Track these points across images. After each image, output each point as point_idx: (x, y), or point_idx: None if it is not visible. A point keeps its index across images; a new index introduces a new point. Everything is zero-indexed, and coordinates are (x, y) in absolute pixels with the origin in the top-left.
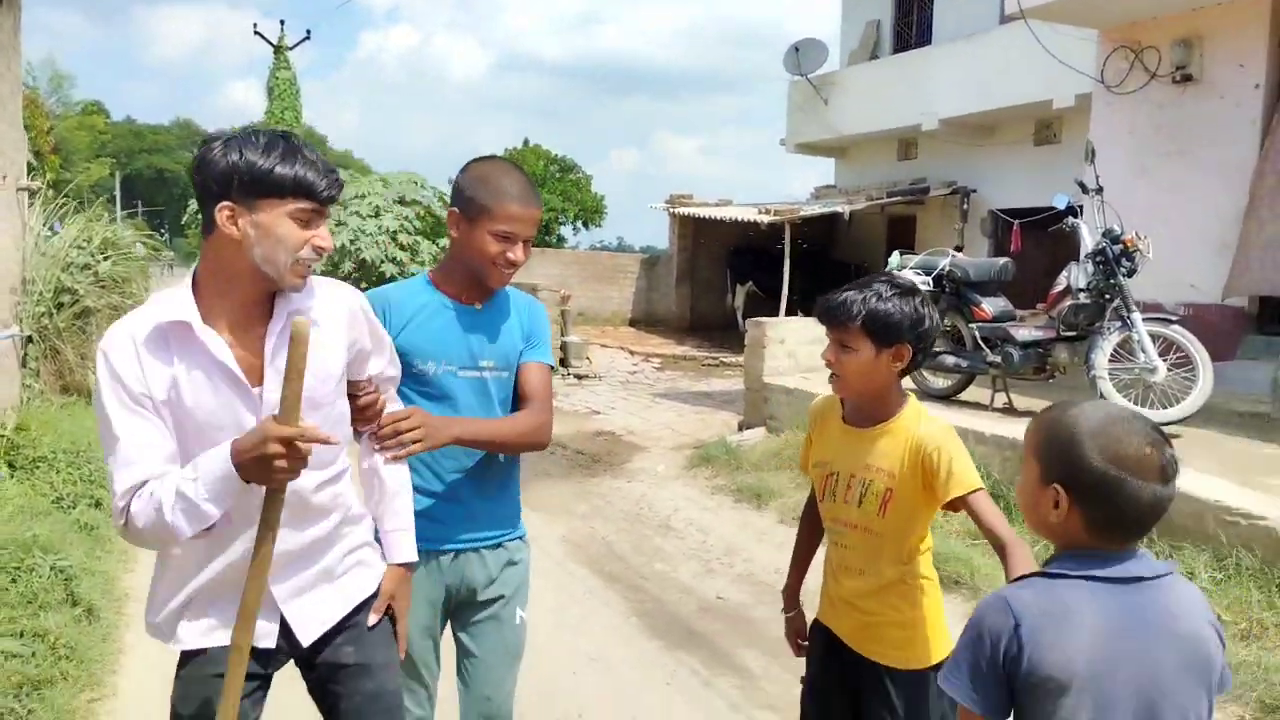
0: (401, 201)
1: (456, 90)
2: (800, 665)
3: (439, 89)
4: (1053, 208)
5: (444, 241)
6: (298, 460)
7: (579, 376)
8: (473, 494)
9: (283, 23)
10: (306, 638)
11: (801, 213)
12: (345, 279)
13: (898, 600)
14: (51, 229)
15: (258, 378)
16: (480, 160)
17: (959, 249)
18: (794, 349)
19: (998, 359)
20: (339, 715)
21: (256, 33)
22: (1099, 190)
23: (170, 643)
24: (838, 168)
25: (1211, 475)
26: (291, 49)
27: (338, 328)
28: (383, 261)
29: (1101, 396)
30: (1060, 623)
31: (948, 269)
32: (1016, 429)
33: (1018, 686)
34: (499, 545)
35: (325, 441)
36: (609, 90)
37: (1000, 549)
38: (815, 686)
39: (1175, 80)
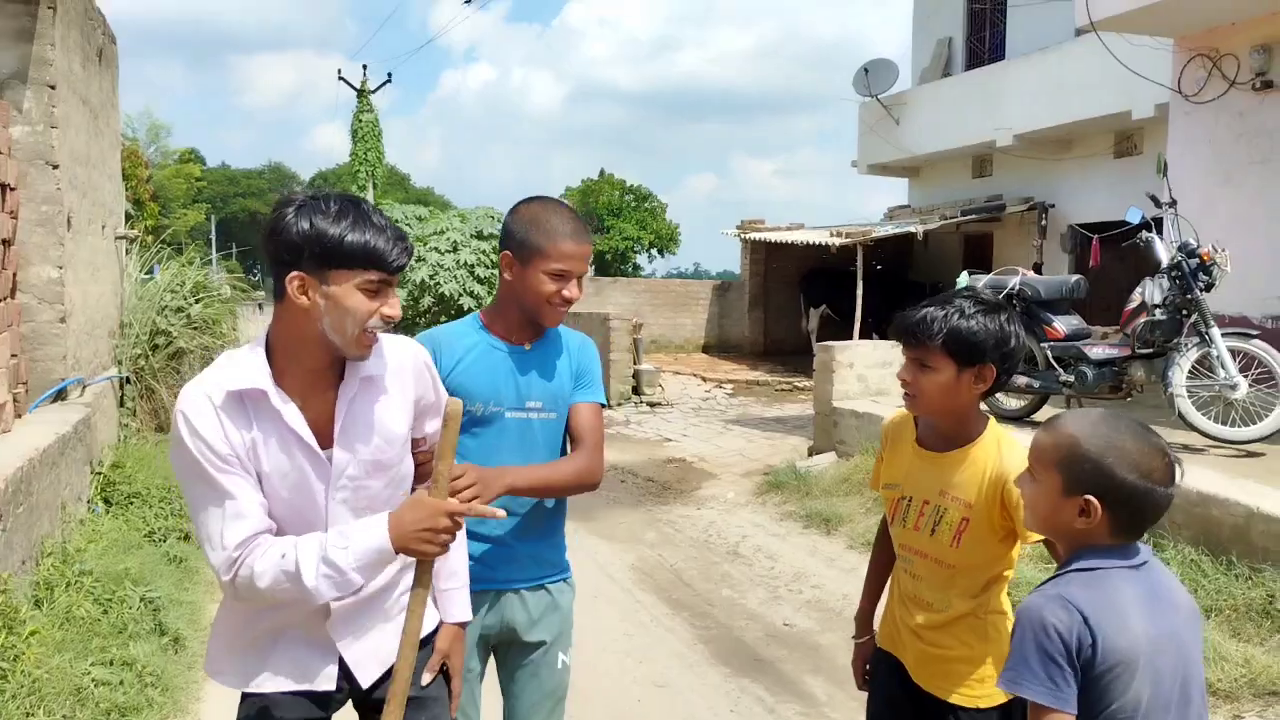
0: (479, 236)
1: (533, 124)
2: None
3: (516, 123)
4: (1127, 223)
5: None
6: (449, 534)
7: (651, 404)
8: (516, 537)
9: (365, 67)
10: (366, 679)
11: (874, 234)
12: (425, 313)
13: (968, 635)
14: (149, 273)
15: (327, 440)
16: (528, 201)
17: (1038, 266)
18: (863, 372)
19: (1071, 379)
20: None
21: (341, 78)
22: (1172, 203)
23: (231, 683)
24: (911, 187)
25: None
26: (374, 92)
27: (404, 386)
28: (461, 295)
29: (1180, 415)
30: (1120, 610)
31: (1018, 288)
32: None
33: (1092, 675)
34: (540, 587)
35: (491, 516)
36: (683, 116)
37: None
38: (878, 716)
39: (1255, 88)
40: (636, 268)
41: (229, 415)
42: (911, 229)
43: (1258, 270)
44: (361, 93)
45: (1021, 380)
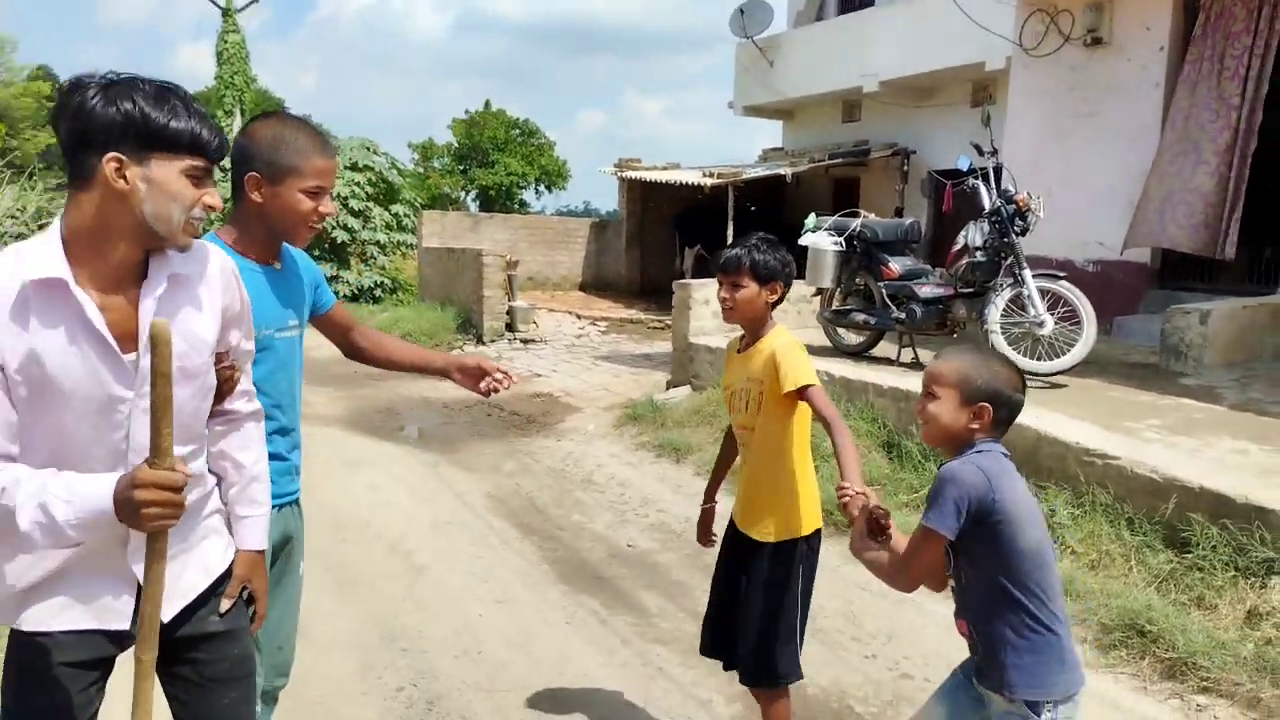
0: (353, 167)
1: (416, 52)
2: (695, 601)
3: (399, 51)
4: (958, 168)
5: (396, 208)
6: (176, 508)
7: (525, 341)
8: (290, 449)
9: None
10: (168, 613)
11: (744, 176)
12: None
13: (768, 489)
14: None
15: (131, 344)
16: (265, 119)
17: (899, 210)
18: (718, 308)
19: (903, 315)
20: (204, 681)
21: None
22: (994, 152)
23: (5, 621)
24: (785, 130)
25: (1082, 421)
26: (240, 10)
27: (212, 292)
28: (334, 228)
29: (994, 350)
30: (1011, 477)
31: (858, 230)
32: (914, 382)
33: (989, 522)
34: (296, 499)
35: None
36: (574, 50)
37: (828, 426)
38: (717, 566)
39: (1086, 43)
40: (523, 204)
41: (8, 312)
42: (780, 171)
43: (1082, 217)
44: (227, 11)
45: (860, 317)
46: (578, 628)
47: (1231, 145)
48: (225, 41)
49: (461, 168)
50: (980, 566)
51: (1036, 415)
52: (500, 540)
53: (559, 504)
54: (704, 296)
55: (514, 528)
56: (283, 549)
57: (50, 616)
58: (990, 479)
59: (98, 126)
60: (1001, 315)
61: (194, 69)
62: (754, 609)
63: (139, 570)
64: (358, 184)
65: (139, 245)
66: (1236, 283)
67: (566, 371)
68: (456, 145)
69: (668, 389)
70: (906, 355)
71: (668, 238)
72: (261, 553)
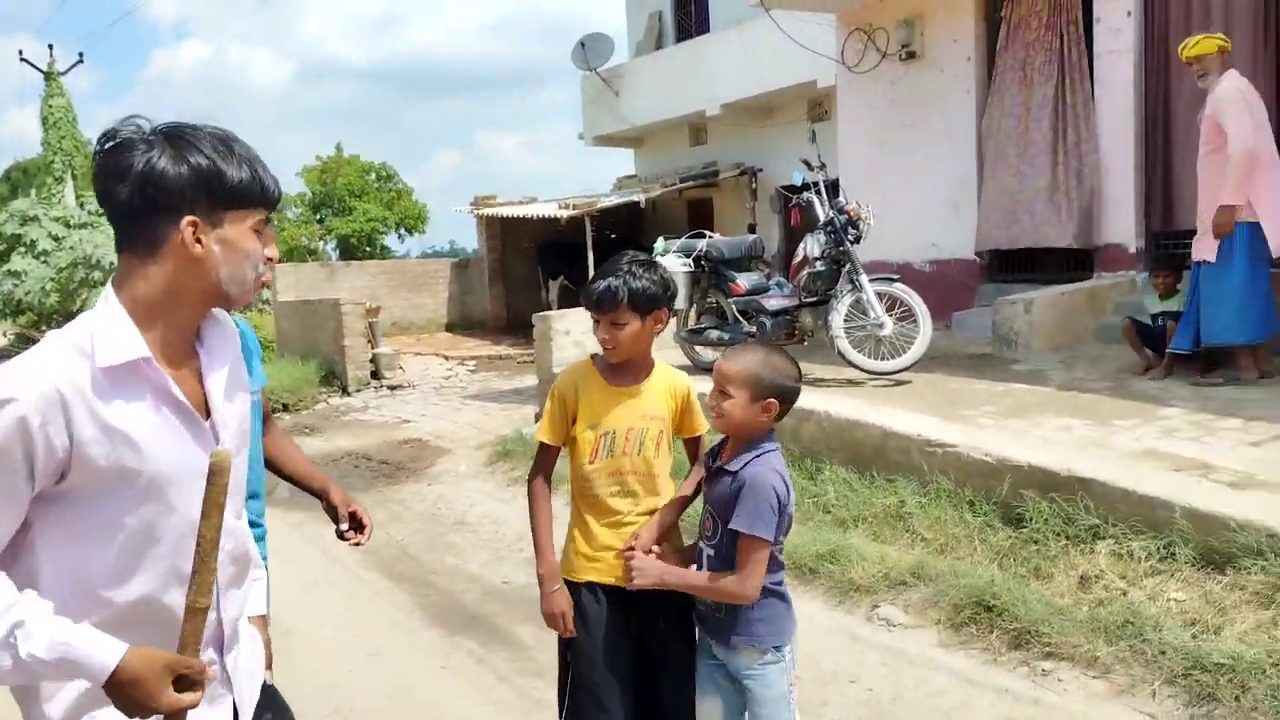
0: None
1: (258, 103)
2: None
3: (239, 103)
4: (794, 184)
5: None
6: (197, 694)
7: (391, 387)
8: (261, 513)
9: (51, 47)
10: (250, 703)
11: (599, 205)
12: None
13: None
14: None
15: (204, 411)
16: None
17: (752, 227)
18: (580, 338)
19: (754, 329)
20: None
21: (23, 59)
22: (822, 167)
23: None
24: (636, 157)
25: (923, 414)
26: (64, 74)
27: (236, 349)
28: None
29: (840, 354)
30: (787, 472)
31: (705, 250)
32: None
33: (783, 514)
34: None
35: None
36: (423, 93)
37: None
38: (603, 640)
39: (902, 58)
40: (385, 249)
41: (86, 406)
42: (634, 198)
43: (915, 221)
44: (49, 75)
45: (714, 334)
46: (454, 671)
47: (1053, 143)
48: (50, 106)
49: (318, 217)
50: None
51: (880, 412)
52: (372, 593)
53: (432, 548)
54: (564, 327)
55: (386, 578)
56: None
57: None
58: (785, 480)
59: (170, 189)
60: (844, 320)
61: (22, 134)
62: (685, 665)
63: (230, 664)
64: None
65: (202, 310)
66: (1057, 272)
67: (435, 414)
68: (311, 194)
69: (536, 421)
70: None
71: (531, 271)
72: (264, 617)
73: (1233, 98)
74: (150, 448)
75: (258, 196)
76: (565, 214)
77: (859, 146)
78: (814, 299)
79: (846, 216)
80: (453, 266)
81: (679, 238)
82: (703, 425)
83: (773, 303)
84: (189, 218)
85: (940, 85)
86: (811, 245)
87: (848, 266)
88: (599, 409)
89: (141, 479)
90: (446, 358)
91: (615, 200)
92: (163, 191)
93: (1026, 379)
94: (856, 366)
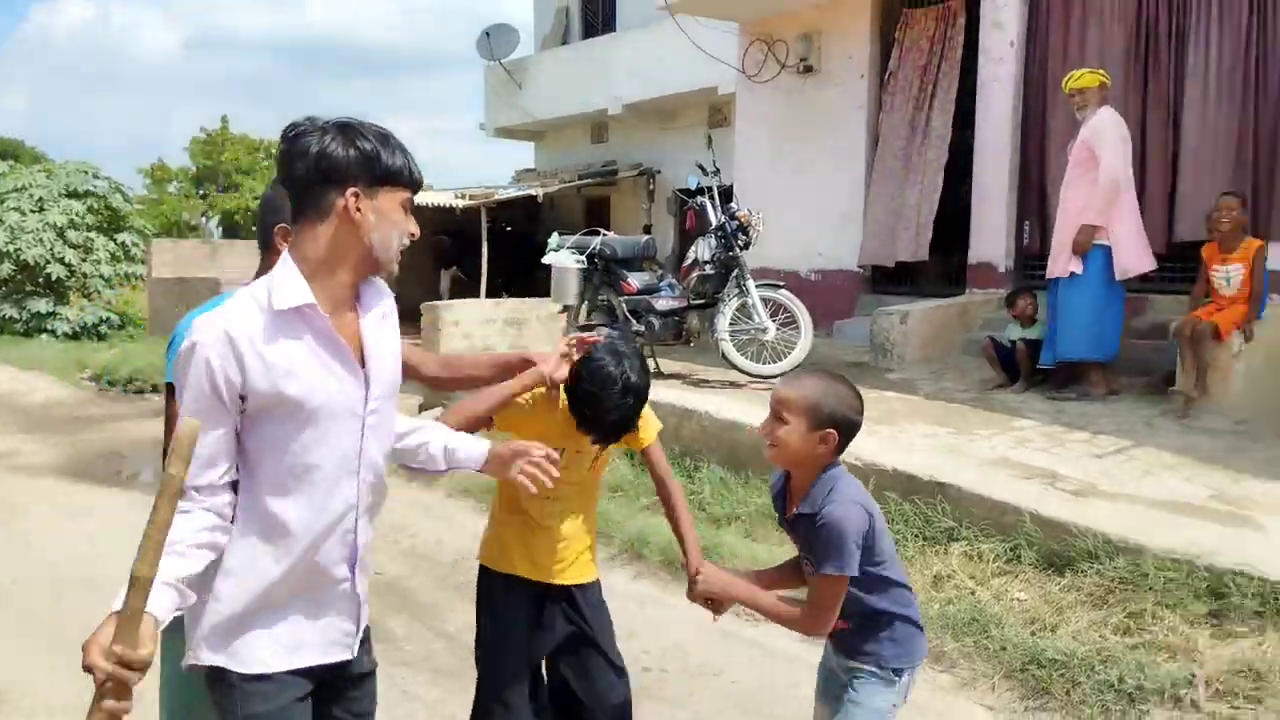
0: (72, 194)
1: (145, 71)
2: (443, 621)
3: (125, 70)
4: (690, 187)
5: (123, 237)
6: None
7: None
8: None
9: None
10: (354, 649)
11: (497, 196)
12: (5, 283)
13: (589, 525)
14: None
15: (360, 360)
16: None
17: (648, 227)
18: (469, 330)
19: (642, 328)
20: (353, 718)
21: None
22: (717, 172)
23: (232, 664)
24: (537, 151)
25: None
26: None
27: (394, 320)
28: (48, 262)
29: (724, 357)
30: (867, 496)
31: (598, 248)
32: (661, 392)
33: (868, 544)
34: None
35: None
36: (324, 71)
37: (664, 482)
38: (512, 634)
39: (800, 71)
40: None
41: (261, 342)
42: (532, 192)
43: (804, 231)
44: None
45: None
46: None
47: (933, 164)
48: None
49: (201, 192)
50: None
51: (759, 415)
52: None
53: None
54: (454, 318)
55: None
56: None
57: (287, 655)
58: (869, 510)
59: (338, 165)
60: (730, 324)
61: None
62: (607, 650)
63: (361, 591)
64: (77, 213)
65: (360, 273)
66: (932, 286)
67: None
68: (195, 169)
69: (419, 412)
70: (649, 366)
71: (424, 260)
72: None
73: (1110, 128)
74: (309, 381)
75: (406, 179)
76: (461, 204)
77: (754, 154)
78: (702, 301)
79: (738, 223)
80: None
81: (574, 234)
82: (647, 438)
83: (662, 303)
84: (352, 188)
85: (835, 100)
86: (703, 249)
87: (736, 271)
88: (546, 425)
89: (303, 410)
90: None
91: (513, 193)
92: (332, 167)
93: (899, 387)
94: (739, 369)
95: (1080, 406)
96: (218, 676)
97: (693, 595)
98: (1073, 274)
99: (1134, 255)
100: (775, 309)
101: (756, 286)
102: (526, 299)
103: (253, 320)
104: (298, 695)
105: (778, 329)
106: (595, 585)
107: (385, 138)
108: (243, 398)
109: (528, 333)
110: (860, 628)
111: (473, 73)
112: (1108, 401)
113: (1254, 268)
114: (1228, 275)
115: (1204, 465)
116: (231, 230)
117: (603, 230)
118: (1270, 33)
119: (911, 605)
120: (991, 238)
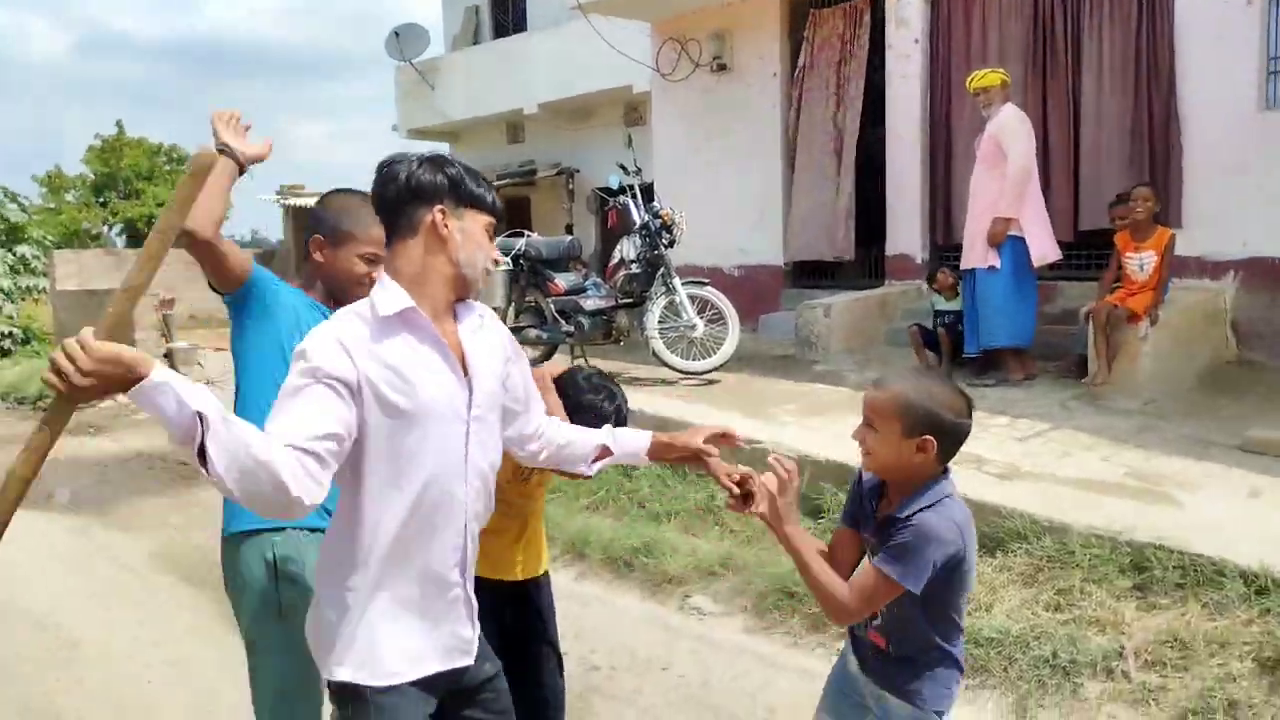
0: None
1: (34, 78)
2: None
3: (11, 74)
4: (610, 187)
5: (21, 249)
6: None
7: None
8: None
9: None
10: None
11: None
12: None
13: (538, 525)
14: None
15: (465, 369)
16: (336, 192)
17: (569, 227)
18: None
19: (572, 329)
20: (493, 715)
21: None
22: (638, 171)
23: (364, 677)
24: (453, 152)
25: (731, 412)
26: None
27: (501, 337)
28: None
29: (654, 354)
30: (970, 526)
31: (523, 249)
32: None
33: (958, 571)
34: None
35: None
36: (222, 74)
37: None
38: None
39: (714, 69)
40: None
41: (371, 340)
42: None
43: (724, 227)
44: None
45: (533, 333)
46: None
47: (848, 160)
48: None
49: (100, 200)
50: (922, 597)
51: (694, 410)
52: (170, 599)
53: None
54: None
55: (184, 583)
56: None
57: (411, 663)
58: (963, 534)
59: (426, 186)
60: (658, 322)
61: None
62: (552, 644)
63: (470, 591)
64: None
65: (451, 291)
66: (853, 279)
67: None
68: (93, 176)
69: None
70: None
71: None
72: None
73: (1016, 123)
74: (415, 379)
75: (488, 205)
76: None
77: (673, 153)
78: (630, 300)
79: (661, 221)
80: (254, 258)
81: (496, 235)
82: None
83: (590, 303)
84: (439, 206)
85: (748, 98)
86: (627, 248)
87: (662, 270)
88: None
89: (409, 407)
90: None
91: None
92: (421, 187)
93: (825, 379)
94: (670, 366)
95: (1000, 392)
96: (352, 694)
97: (740, 506)
98: (991, 267)
99: (1045, 245)
100: (702, 305)
101: (683, 284)
102: None
103: (360, 327)
104: (429, 710)
105: (706, 325)
106: (546, 576)
107: (470, 169)
108: (352, 394)
109: None
110: (903, 656)
111: (382, 75)
112: (1025, 386)
113: (1165, 255)
114: (1141, 262)
115: (1118, 445)
116: (136, 238)
117: (526, 231)
118: (1159, 23)
119: (959, 646)
120: (907, 230)
